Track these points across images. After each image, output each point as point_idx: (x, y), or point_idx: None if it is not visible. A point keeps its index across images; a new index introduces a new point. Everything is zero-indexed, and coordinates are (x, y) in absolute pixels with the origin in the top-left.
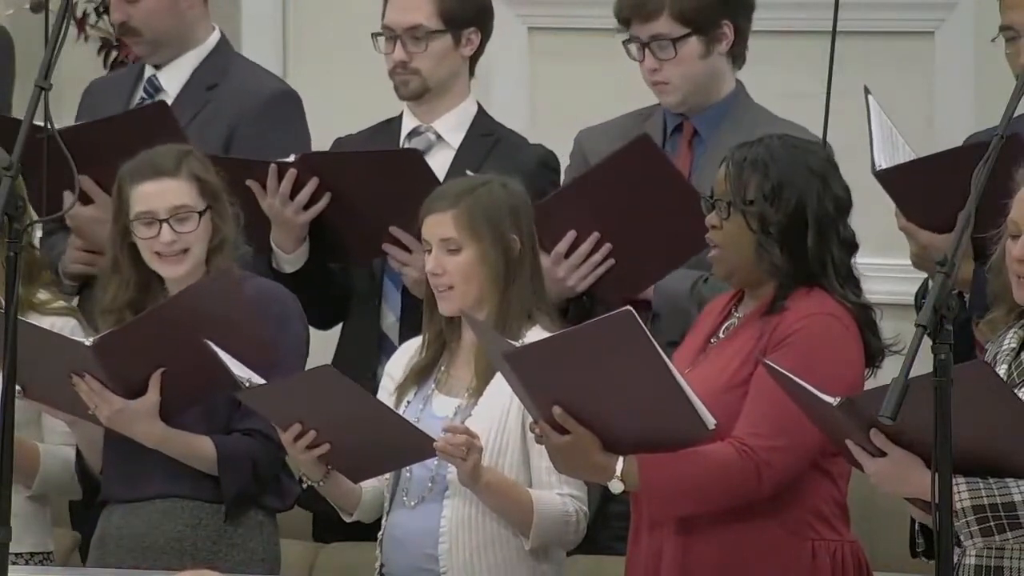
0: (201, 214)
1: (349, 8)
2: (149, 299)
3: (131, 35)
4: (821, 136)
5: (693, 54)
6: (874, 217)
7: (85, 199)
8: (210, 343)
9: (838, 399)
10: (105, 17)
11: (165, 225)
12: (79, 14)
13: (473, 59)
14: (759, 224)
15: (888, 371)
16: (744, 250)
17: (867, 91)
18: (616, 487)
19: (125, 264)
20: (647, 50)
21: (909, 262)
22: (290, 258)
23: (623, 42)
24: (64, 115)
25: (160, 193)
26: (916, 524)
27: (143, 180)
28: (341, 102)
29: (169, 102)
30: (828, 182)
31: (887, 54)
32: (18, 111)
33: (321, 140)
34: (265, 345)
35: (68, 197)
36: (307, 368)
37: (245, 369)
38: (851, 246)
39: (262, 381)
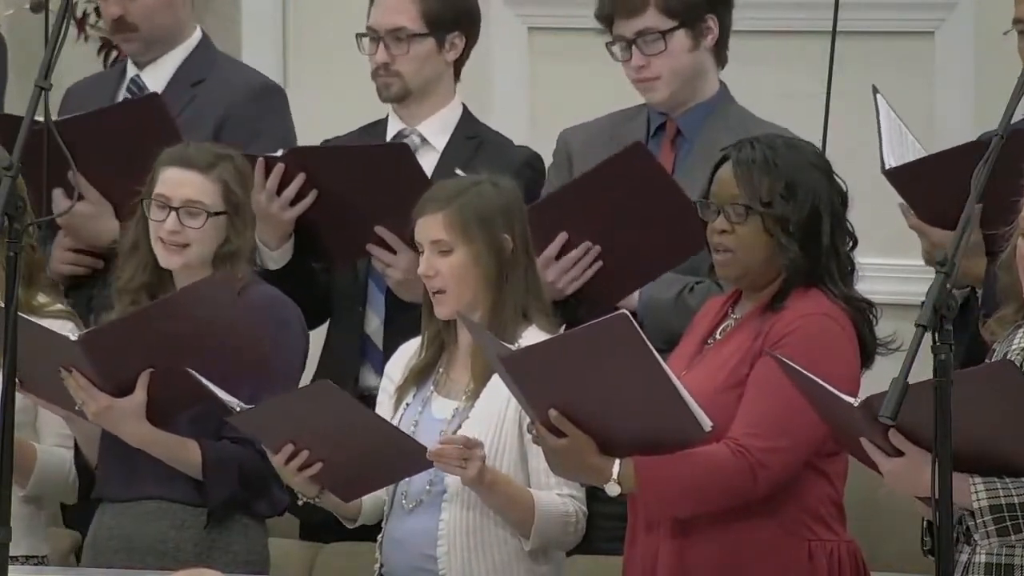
0: (211, 215)
1: (349, 8)
2: (162, 285)
3: (126, 31)
4: (821, 136)
5: (682, 47)
6: (876, 217)
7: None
8: (193, 372)
9: (858, 399)
10: None
11: (173, 214)
12: (79, 14)
13: (458, 63)
14: (777, 225)
15: (889, 370)
16: (759, 252)
17: (875, 90)
18: (613, 489)
19: (145, 245)
20: (633, 47)
21: (911, 262)
22: (275, 255)
23: (607, 44)
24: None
25: (181, 182)
26: (924, 522)
27: (172, 165)
28: (341, 102)
29: None
30: (831, 178)
31: (887, 54)
32: (13, 112)
33: (320, 140)
34: (262, 352)
35: (57, 196)
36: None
37: (230, 397)
38: (854, 240)
39: (249, 407)
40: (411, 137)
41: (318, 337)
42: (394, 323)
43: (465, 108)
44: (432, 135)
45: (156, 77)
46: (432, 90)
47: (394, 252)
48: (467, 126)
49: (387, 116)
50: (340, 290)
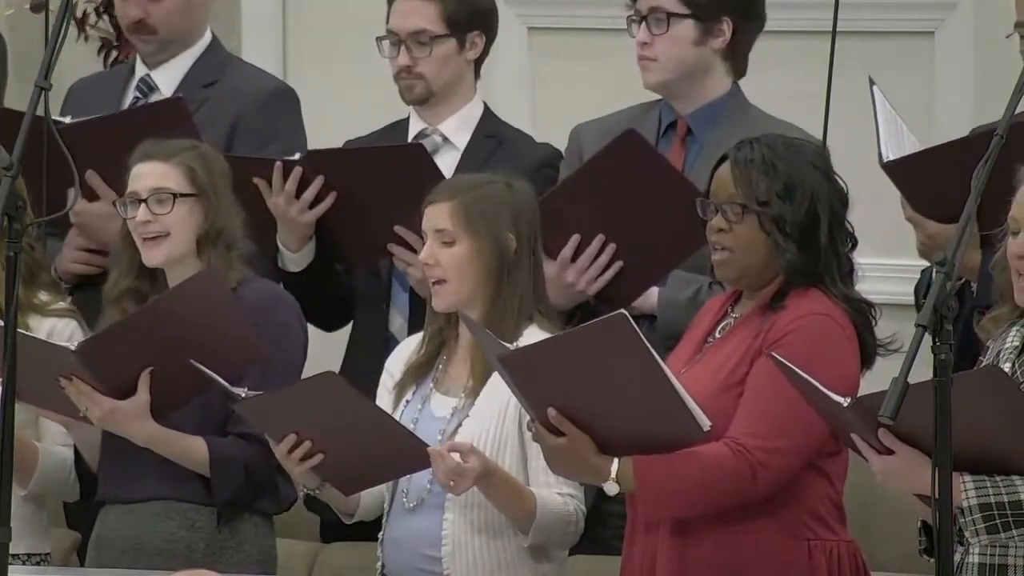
0: (178, 196)
1: (349, 8)
2: (155, 288)
3: (145, 33)
4: (821, 136)
5: (686, 36)
6: (874, 217)
7: (92, 196)
8: (196, 363)
9: (848, 399)
10: (105, 17)
11: (143, 205)
12: (79, 14)
13: (478, 62)
14: (774, 225)
15: (888, 370)
16: (757, 252)
17: (872, 82)
18: (611, 489)
19: (126, 251)
20: (644, 23)
21: (910, 262)
22: (295, 257)
23: (628, 17)
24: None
25: (145, 174)
26: (920, 523)
27: (137, 162)
28: (341, 103)
29: None
30: (831, 178)
31: (887, 54)
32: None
33: (321, 140)
34: (255, 348)
35: (71, 195)
36: (304, 373)
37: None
38: (854, 241)
39: (255, 393)
40: (432, 136)
41: (342, 336)
42: (418, 321)
43: (486, 107)
44: (453, 134)
45: (167, 77)
46: (454, 90)
47: (415, 251)
48: (488, 124)
49: (408, 116)
50: (364, 290)
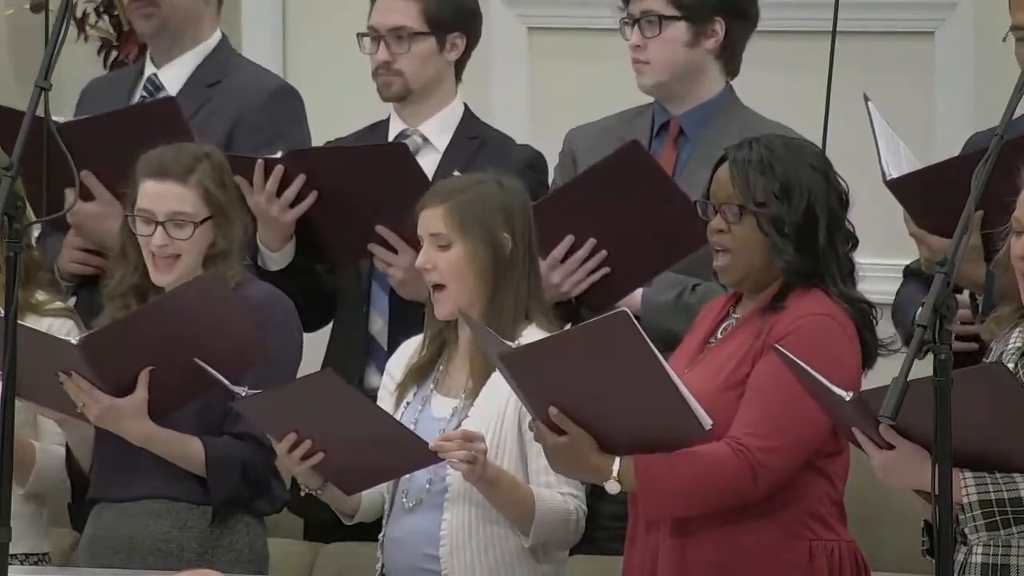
0: (198, 224)
1: (349, 8)
2: (154, 287)
3: (147, 5)
4: (821, 136)
5: (678, 39)
6: (874, 217)
7: (87, 195)
8: (199, 361)
9: (850, 394)
10: (105, 17)
11: (160, 228)
12: (79, 14)
13: (460, 64)
14: (772, 225)
15: (889, 370)
16: (755, 253)
17: (866, 98)
18: (612, 488)
19: (132, 250)
20: (636, 27)
21: (909, 262)
22: (276, 256)
23: (620, 20)
24: (64, 115)
25: (162, 195)
26: (924, 523)
27: (150, 177)
28: (340, 102)
29: None
30: (830, 178)
31: (887, 54)
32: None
33: (321, 141)
34: (257, 349)
35: (69, 195)
36: (298, 374)
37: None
38: (854, 241)
39: (255, 392)
40: (413, 137)
41: (322, 338)
42: (398, 323)
43: (467, 108)
44: (434, 135)
45: (173, 77)
46: (433, 90)
47: (395, 251)
48: (469, 126)
49: (388, 117)
50: (344, 291)
